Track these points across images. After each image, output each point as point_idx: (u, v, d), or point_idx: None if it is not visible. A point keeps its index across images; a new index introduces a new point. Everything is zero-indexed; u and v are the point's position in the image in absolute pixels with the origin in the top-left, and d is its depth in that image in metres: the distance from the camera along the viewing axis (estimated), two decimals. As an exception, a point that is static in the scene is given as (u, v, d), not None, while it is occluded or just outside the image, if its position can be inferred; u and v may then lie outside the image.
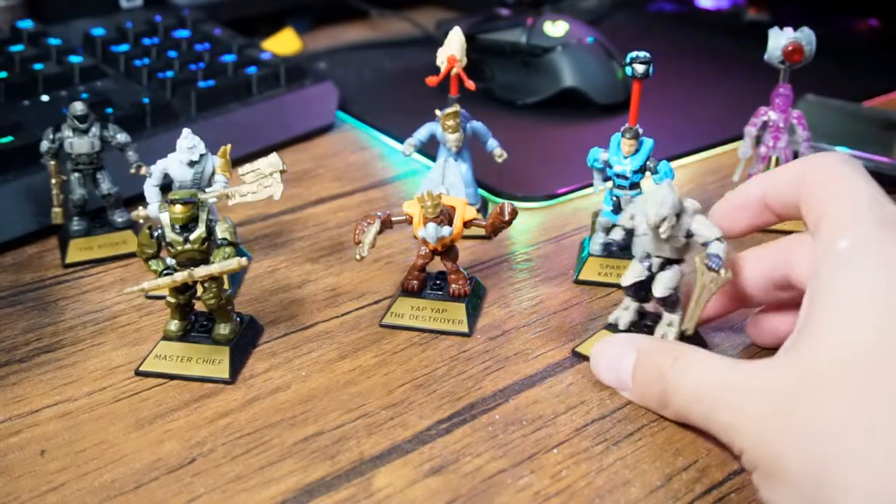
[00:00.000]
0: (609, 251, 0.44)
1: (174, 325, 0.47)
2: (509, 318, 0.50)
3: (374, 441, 0.41)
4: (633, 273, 0.45)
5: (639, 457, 0.40)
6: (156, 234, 0.44)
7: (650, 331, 0.46)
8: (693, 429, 0.40)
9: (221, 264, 0.44)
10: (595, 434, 0.41)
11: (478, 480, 0.39)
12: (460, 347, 0.47)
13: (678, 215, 0.41)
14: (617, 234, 0.44)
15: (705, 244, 0.42)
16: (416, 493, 0.38)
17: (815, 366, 0.34)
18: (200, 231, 0.44)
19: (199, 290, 0.46)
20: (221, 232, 0.44)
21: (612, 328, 0.47)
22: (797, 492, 0.33)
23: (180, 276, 0.44)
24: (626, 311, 0.47)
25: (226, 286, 0.48)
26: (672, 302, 0.44)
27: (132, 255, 0.56)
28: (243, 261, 0.44)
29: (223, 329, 0.46)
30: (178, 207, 0.43)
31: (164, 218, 0.44)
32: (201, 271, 0.44)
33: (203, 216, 0.44)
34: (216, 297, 0.45)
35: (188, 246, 0.44)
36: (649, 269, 0.44)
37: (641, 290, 0.45)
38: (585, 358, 0.46)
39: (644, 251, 0.44)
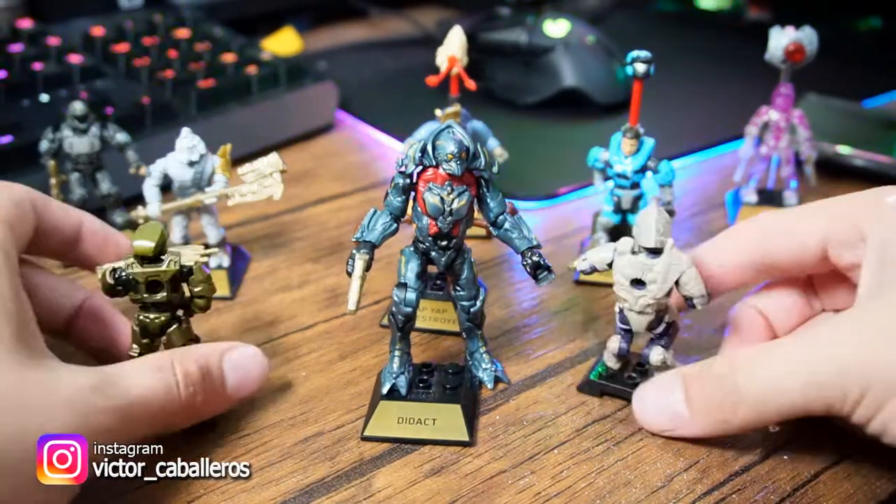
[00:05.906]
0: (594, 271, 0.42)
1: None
2: (509, 318, 0.50)
3: (375, 441, 0.41)
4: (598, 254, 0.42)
5: (640, 457, 0.40)
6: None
7: (644, 373, 0.44)
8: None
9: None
10: (596, 434, 0.41)
11: (478, 481, 0.38)
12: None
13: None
14: (586, 265, 0.42)
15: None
16: (416, 493, 0.38)
17: None
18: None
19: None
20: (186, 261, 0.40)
21: (606, 368, 0.45)
22: None
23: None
24: (614, 348, 0.44)
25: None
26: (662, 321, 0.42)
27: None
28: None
29: None
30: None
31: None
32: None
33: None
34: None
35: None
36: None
37: (629, 334, 0.43)
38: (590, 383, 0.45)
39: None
